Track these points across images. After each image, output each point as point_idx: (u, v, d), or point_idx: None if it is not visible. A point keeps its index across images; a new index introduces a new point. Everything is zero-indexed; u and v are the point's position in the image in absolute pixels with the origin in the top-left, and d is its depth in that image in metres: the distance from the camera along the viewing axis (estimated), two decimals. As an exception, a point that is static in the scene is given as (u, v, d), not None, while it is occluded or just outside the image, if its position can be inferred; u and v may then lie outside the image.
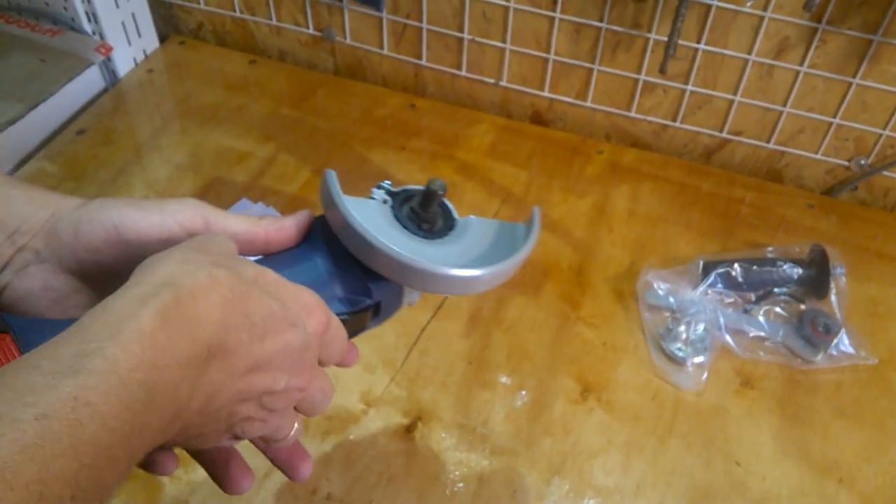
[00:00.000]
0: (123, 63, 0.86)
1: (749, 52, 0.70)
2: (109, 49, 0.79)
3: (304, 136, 0.81)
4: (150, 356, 0.25)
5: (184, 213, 0.37)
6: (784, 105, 0.73)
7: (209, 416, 0.30)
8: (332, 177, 0.40)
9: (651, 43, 0.72)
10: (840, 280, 0.64)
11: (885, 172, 0.73)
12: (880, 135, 0.71)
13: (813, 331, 0.60)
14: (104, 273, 0.36)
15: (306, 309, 0.33)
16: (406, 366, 0.61)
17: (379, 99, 0.86)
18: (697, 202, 0.75)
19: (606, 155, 0.80)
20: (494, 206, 0.74)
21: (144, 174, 0.75)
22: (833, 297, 0.63)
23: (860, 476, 0.55)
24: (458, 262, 0.40)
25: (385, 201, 0.41)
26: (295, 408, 0.35)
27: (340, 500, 0.52)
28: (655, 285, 0.63)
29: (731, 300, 0.63)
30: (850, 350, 0.60)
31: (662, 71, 0.68)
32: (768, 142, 0.76)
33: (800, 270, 0.62)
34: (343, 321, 0.38)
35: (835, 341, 0.59)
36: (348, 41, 0.86)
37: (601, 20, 0.72)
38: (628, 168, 0.79)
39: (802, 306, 0.63)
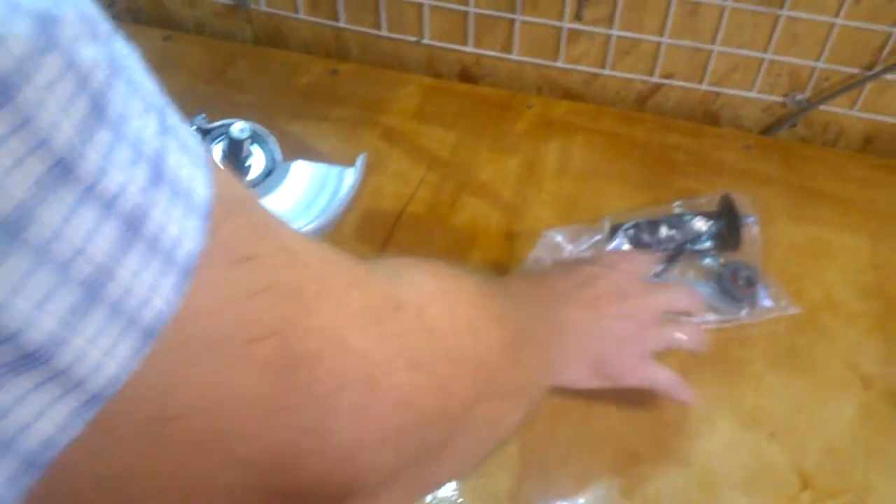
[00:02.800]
0: (30, 48, 0.82)
1: (671, -9, 0.66)
2: None
3: (223, 112, 0.77)
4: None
5: None
6: (712, 43, 0.69)
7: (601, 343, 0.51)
8: None
9: (570, -12, 0.69)
10: (752, 229, 0.61)
11: (822, 107, 0.70)
12: (814, 68, 0.68)
13: (734, 284, 0.58)
14: None
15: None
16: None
17: (299, 67, 0.82)
18: (631, 153, 0.73)
19: (537, 109, 0.77)
20: (420, 172, 0.71)
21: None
22: (749, 249, 0.60)
23: (793, 429, 0.54)
24: None
25: None
26: None
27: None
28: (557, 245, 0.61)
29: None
30: (769, 303, 0.58)
31: (578, 17, 0.64)
32: (700, 83, 0.73)
33: (709, 223, 0.60)
34: None
35: (757, 291, 0.57)
36: (263, 7, 0.82)
37: (516, -33, 0.68)
38: (560, 122, 0.76)
39: (721, 260, 0.60)
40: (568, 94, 0.79)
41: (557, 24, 0.72)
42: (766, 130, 0.75)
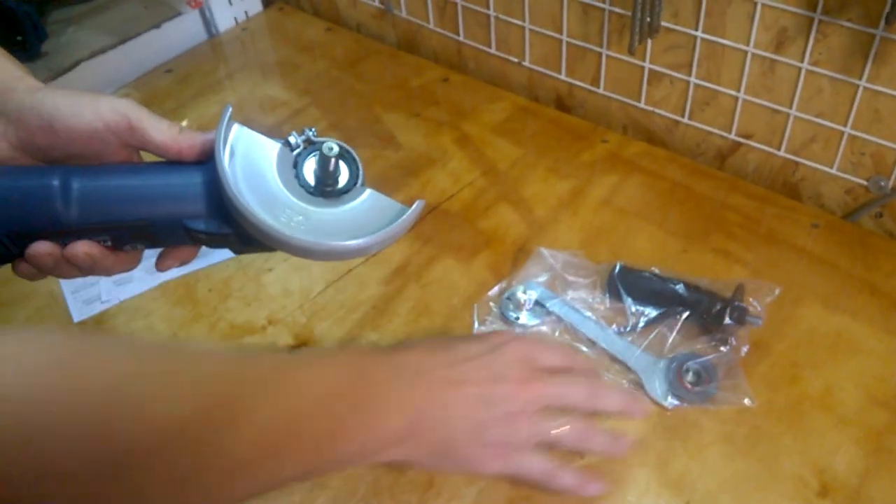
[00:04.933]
0: (223, 20, 1.00)
1: (747, 44, 0.64)
2: (199, 3, 0.93)
3: (338, 95, 0.88)
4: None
5: (111, 115, 0.44)
6: (790, 107, 0.65)
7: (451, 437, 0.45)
8: (226, 112, 0.44)
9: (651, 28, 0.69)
10: (745, 331, 0.56)
11: (905, 197, 0.62)
12: (899, 152, 0.61)
13: (678, 380, 0.54)
14: (40, 152, 0.45)
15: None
16: (319, 298, 0.65)
17: (420, 70, 0.90)
18: (684, 202, 0.70)
19: (611, 145, 0.77)
20: (472, 176, 0.75)
21: (196, 110, 0.87)
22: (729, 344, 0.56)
23: None
24: (312, 226, 0.43)
25: (296, 146, 0.45)
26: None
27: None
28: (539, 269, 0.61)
29: (632, 312, 0.59)
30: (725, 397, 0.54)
31: (630, 51, 0.64)
32: (779, 149, 0.68)
33: (700, 299, 0.56)
34: (201, 238, 0.43)
35: (706, 389, 0.53)
36: (404, 15, 0.92)
37: (603, 1, 0.70)
38: (628, 161, 0.75)
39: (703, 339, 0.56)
40: (651, 138, 0.78)
41: (640, 63, 0.72)
42: (849, 215, 0.68)
